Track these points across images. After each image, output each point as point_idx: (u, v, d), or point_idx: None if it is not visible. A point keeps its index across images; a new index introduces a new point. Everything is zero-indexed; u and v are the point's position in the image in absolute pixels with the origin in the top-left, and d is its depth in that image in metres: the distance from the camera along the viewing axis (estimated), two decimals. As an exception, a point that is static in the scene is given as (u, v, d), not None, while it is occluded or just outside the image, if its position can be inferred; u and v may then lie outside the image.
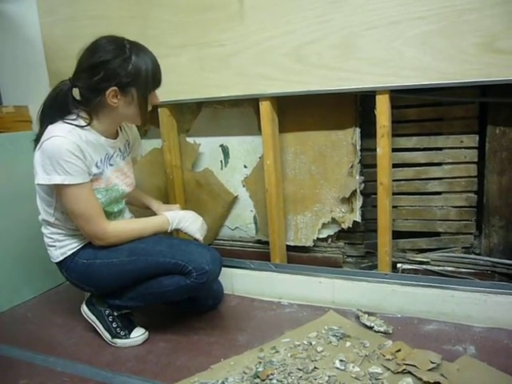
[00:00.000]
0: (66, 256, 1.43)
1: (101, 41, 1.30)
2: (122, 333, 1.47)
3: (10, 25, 2.07)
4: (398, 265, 1.65)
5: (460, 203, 1.63)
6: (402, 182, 1.69)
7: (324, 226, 1.79)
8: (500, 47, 1.27)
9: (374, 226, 1.65)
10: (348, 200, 1.72)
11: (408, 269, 1.64)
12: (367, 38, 1.42)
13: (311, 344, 1.35)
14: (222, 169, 1.94)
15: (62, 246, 1.43)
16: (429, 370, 1.17)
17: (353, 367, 1.22)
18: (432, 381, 1.12)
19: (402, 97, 1.54)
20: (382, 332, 1.40)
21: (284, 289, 1.70)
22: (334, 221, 1.76)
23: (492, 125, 1.52)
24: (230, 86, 1.66)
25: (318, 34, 1.48)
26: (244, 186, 1.91)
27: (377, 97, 1.46)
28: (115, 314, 1.48)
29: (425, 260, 1.64)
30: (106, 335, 1.48)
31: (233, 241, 1.99)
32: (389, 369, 1.20)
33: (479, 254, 1.63)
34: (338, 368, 1.23)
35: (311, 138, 1.72)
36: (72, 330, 1.60)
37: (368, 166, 1.71)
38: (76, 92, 1.36)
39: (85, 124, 1.34)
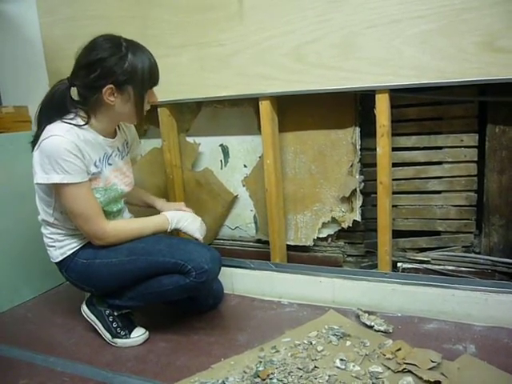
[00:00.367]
0: (65, 256, 1.43)
1: (98, 39, 1.31)
2: (123, 333, 1.46)
3: (10, 25, 2.07)
4: (399, 264, 1.65)
5: (460, 202, 1.63)
6: (402, 181, 1.69)
7: (324, 225, 1.79)
8: (499, 46, 1.27)
9: (374, 225, 1.65)
10: (348, 199, 1.72)
11: (408, 268, 1.64)
12: (367, 37, 1.42)
13: (311, 343, 1.35)
14: (221, 168, 1.94)
15: (61, 246, 1.43)
16: (429, 368, 1.17)
17: (353, 366, 1.22)
18: (432, 380, 1.12)
19: (401, 96, 1.54)
20: (382, 331, 1.40)
21: (284, 288, 1.70)
22: (334, 220, 1.76)
23: (492, 123, 1.52)
24: (229, 86, 1.66)
25: (317, 33, 1.48)
26: (244, 186, 1.91)
27: (376, 96, 1.46)
28: (115, 313, 1.48)
29: (425, 259, 1.64)
30: (107, 335, 1.47)
31: (233, 240, 1.99)
32: (389, 368, 1.20)
33: (479, 253, 1.63)
34: (338, 367, 1.23)
35: (311, 138, 1.72)
36: (72, 330, 1.60)
37: (368, 165, 1.71)
38: (74, 92, 1.36)
39: (83, 123, 1.34)
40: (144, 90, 1.33)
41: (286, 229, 1.81)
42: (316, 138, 1.72)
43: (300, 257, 1.82)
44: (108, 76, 1.27)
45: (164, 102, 1.75)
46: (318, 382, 1.17)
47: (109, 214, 1.45)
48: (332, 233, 1.80)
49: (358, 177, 1.69)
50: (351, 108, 1.65)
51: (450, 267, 1.60)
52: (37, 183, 1.34)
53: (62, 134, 1.28)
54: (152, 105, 1.41)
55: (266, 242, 1.84)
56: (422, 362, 1.19)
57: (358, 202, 1.71)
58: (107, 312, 1.48)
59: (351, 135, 1.66)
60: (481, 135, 1.56)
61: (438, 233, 1.69)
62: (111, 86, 1.28)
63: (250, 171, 1.88)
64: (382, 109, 1.46)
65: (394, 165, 1.62)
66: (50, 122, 1.33)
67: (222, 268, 1.46)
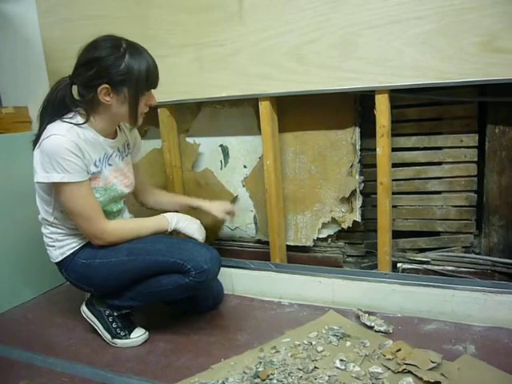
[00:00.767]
0: (65, 256, 1.43)
1: (99, 38, 1.31)
2: (122, 333, 1.46)
3: (10, 25, 2.07)
4: (398, 264, 1.65)
5: (460, 202, 1.63)
6: (402, 181, 1.69)
7: (324, 225, 1.79)
8: (499, 46, 1.27)
9: (373, 225, 1.65)
10: (348, 200, 1.72)
11: (408, 268, 1.64)
12: (366, 38, 1.42)
13: (311, 344, 1.35)
14: (221, 169, 1.94)
15: (61, 246, 1.43)
16: (429, 369, 1.17)
17: (353, 367, 1.22)
18: (432, 380, 1.12)
19: (401, 96, 1.54)
20: (382, 332, 1.40)
21: (284, 289, 1.70)
22: (333, 220, 1.76)
23: (492, 124, 1.52)
24: (229, 86, 1.66)
25: (317, 33, 1.48)
26: (244, 186, 1.91)
27: (376, 96, 1.46)
28: (115, 314, 1.48)
29: (425, 259, 1.64)
30: (106, 335, 1.47)
31: (233, 241, 1.98)
32: (389, 368, 1.20)
33: (479, 254, 1.63)
34: (338, 368, 1.23)
35: (311, 138, 1.72)
36: (72, 330, 1.60)
37: (368, 165, 1.71)
38: (75, 90, 1.36)
39: (82, 121, 1.34)
40: (139, 93, 1.32)
41: (285, 229, 1.81)
42: (316, 138, 1.72)
43: (300, 257, 1.82)
44: (103, 75, 1.28)
45: (164, 103, 1.75)
46: (318, 383, 1.17)
47: (109, 214, 1.45)
48: (332, 233, 1.80)
49: (357, 177, 1.69)
50: (351, 108, 1.65)
51: (450, 268, 1.60)
52: (37, 182, 1.34)
53: (62, 134, 1.28)
54: (149, 106, 1.41)
55: (266, 243, 1.84)
56: (422, 363, 1.19)
57: (358, 202, 1.71)
58: (107, 312, 1.48)
59: (351, 135, 1.66)
60: (481, 135, 1.56)
61: (437, 233, 1.69)
62: (106, 85, 1.28)
63: (250, 171, 1.88)
64: (382, 109, 1.46)
65: (394, 165, 1.62)
66: (51, 121, 1.33)
67: (222, 268, 1.46)
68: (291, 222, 1.83)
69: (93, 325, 1.51)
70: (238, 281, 1.77)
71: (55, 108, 1.36)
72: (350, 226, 1.74)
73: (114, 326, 1.47)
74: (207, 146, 1.93)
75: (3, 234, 1.78)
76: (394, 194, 1.63)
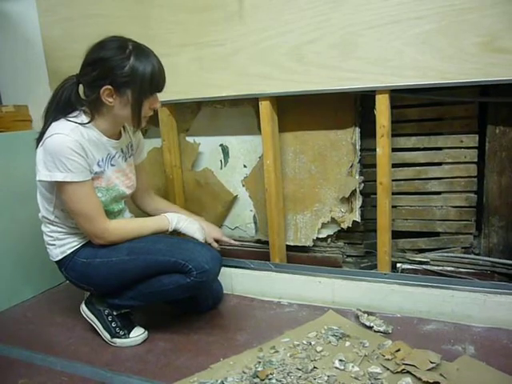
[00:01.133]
0: (65, 255, 1.44)
1: (107, 39, 1.31)
2: (122, 332, 1.46)
3: (10, 24, 2.07)
4: (398, 265, 1.65)
5: (460, 203, 1.63)
6: (402, 181, 1.69)
7: (324, 225, 1.78)
8: (500, 46, 1.27)
9: (373, 225, 1.65)
10: (348, 200, 1.72)
11: (407, 269, 1.64)
12: (367, 38, 1.42)
13: (311, 344, 1.35)
14: (221, 168, 1.94)
15: (61, 245, 1.43)
16: (428, 369, 1.17)
17: (352, 367, 1.22)
18: (431, 381, 1.12)
19: (401, 96, 1.54)
20: (381, 332, 1.40)
21: (283, 288, 1.70)
22: (333, 220, 1.76)
23: (492, 124, 1.52)
24: (229, 86, 1.65)
25: (317, 33, 1.48)
26: (244, 186, 1.91)
27: (376, 96, 1.46)
28: (114, 313, 1.48)
29: (424, 260, 1.64)
30: (106, 335, 1.47)
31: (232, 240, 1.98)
32: (388, 369, 1.20)
33: (479, 254, 1.63)
34: (337, 368, 1.23)
35: (311, 138, 1.72)
36: (71, 329, 1.60)
37: (368, 165, 1.71)
38: (82, 89, 1.36)
39: (87, 121, 1.34)
40: (143, 96, 1.31)
41: (285, 229, 1.81)
42: (316, 138, 1.72)
43: (299, 257, 1.82)
44: (107, 76, 1.27)
45: (163, 102, 1.74)
46: (317, 383, 1.17)
47: (110, 214, 1.45)
48: (331, 233, 1.80)
49: (357, 177, 1.69)
50: (351, 108, 1.65)
51: (450, 268, 1.60)
52: (39, 180, 1.34)
53: (66, 133, 1.28)
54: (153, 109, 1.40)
55: (266, 242, 1.84)
56: (421, 363, 1.19)
57: (358, 202, 1.71)
58: (106, 311, 1.48)
59: (351, 135, 1.66)
60: (481, 136, 1.56)
61: (437, 234, 1.69)
62: (109, 86, 1.27)
63: (250, 171, 1.88)
64: (382, 109, 1.46)
65: (394, 165, 1.62)
66: (55, 119, 1.33)
67: (222, 268, 1.46)
68: (291, 222, 1.83)
69: (92, 324, 1.51)
70: (237, 280, 1.77)
71: (60, 106, 1.35)
72: (350, 226, 1.74)
73: (113, 325, 1.47)
74: (207, 146, 1.93)
75: (3, 232, 1.78)
76: (393, 194, 1.63)
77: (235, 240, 1.93)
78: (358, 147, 1.66)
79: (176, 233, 1.51)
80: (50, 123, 1.33)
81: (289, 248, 1.82)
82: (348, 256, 1.82)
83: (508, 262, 1.54)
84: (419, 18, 1.34)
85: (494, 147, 1.54)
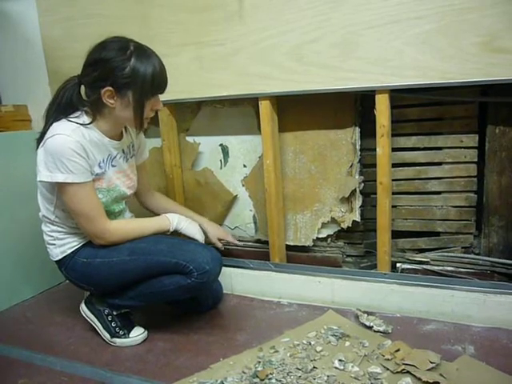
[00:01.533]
0: (65, 254, 1.44)
1: (109, 39, 1.30)
2: (121, 332, 1.46)
3: (10, 24, 2.07)
4: (398, 264, 1.65)
5: (460, 203, 1.63)
6: (402, 181, 1.69)
7: (323, 225, 1.78)
8: (500, 46, 1.27)
9: (373, 225, 1.65)
10: (347, 199, 1.72)
11: (407, 268, 1.63)
12: (367, 38, 1.42)
13: (310, 344, 1.35)
14: (221, 168, 1.94)
15: (61, 245, 1.43)
16: (428, 369, 1.17)
17: (352, 367, 1.22)
18: (431, 381, 1.12)
19: (401, 96, 1.54)
20: (381, 332, 1.40)
21: (283, 288, 1.70)
22: (333, 220, 1.76)
23: (492, 124, 1.52)
24: (229, 86, 1.65)
25: (317, 33, 1.48)
26: (243, 186, 1.91)
27: (376, 96, 1.46)
28: (114, 313, 1.48)
29: (424, 260, 1.64)
30: (105, 334, 1.47)
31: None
32: (388, 368, 1.20)
33: (479, 254, 1.63)
34: (337, 368, 1.23)
35: (311, 138, 1.72)
36: (71, 329, 1.60)
37: (368, 165, 1.71)
38: (84, 90, 1.36)
39: (88, 122, 1.34)
40: (144, 97, 1.30)
41: (285, 229, 1.81)
42: (316, 138, 1.71)
43: (299, 257, 1.82)
44: (108, 77, 1.26)
45: (164, 102, 1.73)
46: (317, 383, 1.17)
47: (111, 214, 1.45)
48: (331, 233, 1.80)
49: (357, 177, 1.69)
50: (351, 108, 1.65)
51: (450, 268, 1.60)
52: (40, 181, 1.34)
53: (67, 133, 1.28)
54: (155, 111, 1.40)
55: (266, 242, 1.84)
56: (421, 363, 1.19)
57: (358, 202, 1.71)
58: (106, 311, 1.48)
59: (351, 135, 1.66)
60: (481, 136, 1.56)
61: (437, 233, 1.69)
62: (110, 88, 1.27)
63: (250, 171, 1.88)
64: (382, 109, 1.46)
65: (394, 165, 1.62)
66: (57, 120, 1.33)
67: (222, 268, 1.46)
68: (291, 222, 1.83)
69: (92, 324, 1.51)
70: (237, 280, 1.77)
71: (61, 107, 1.35)
72: (350, 225, 1.74)
73: (113, 325, 1.47)
74: (207, 146, 1.93)
75: (2, 232, 1.78)
76: (393, 194, 1.63)
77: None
78: (357, 147, 1.66)
79: (176, 233, 1.51)
80: (51, 123, 1.33)
81: (288, 248, 1.82)
82: (348, 256, 1.82)
83: (508, 261, 1.54)
84: (419, 17, 1.34)
85: (493, 147, 1.54)
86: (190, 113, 1.93)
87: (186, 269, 1.35)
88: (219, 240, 1.68)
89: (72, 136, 1.28)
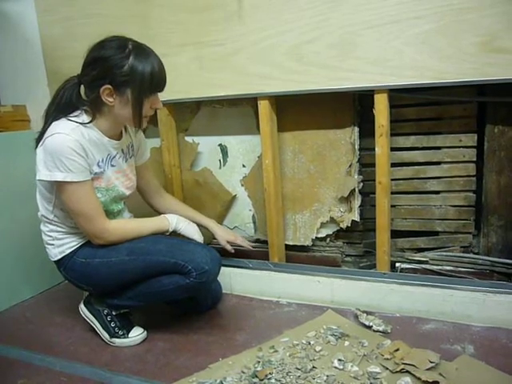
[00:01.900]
0: (64, 254, 1.43)
1: (107, 38, 1.30)
2: (121, 332, 1.46)
3: (9, 24, 2.06)
4: (397, 264, 1.65)
5: (459, 202, 1.63)
6: (401, 181, 1.69)
7: (323, 225, 1.78)
8: (499, 46, 1.27)
9: (372, 225, 1.65)
10: (347, 199, 1.72)
11: (407, 268, 1.64)
12: (366, 37, 1.42)
13: (310, 343, 1.35)
14: (220, 168, 1.94)
15: (60, 245, 1.43)
16: (427, 369, 1.17)
17: (351, 366, 1.22)
18: (430, 380, 1.12)
19: (400, 96, 1.54)
20: (380, 331, 1.40)
21: (283, 288, 1.70)
22: (332, 220, 1.76)
23: (490, 124, 1.52)
24: (228, 86, 1.65)
25: (316, 33, 1.48)
26: (243, 186, 1.91)
27: (375, 96, 1.46)
28: (113, 313, 1.48)
29: (423, 259, 1.64)
30: (105, 335, 1.47)
31: (232, 240, 1.98)
32: (387, 368, 1.20)
33: (478, 254, 1.63)
34: (336, 367, 1.23)
35: (310, 138, 1.72)
36: (71, 329, 1.60)
37: (366, 165, 1.71)
38: (83, 90, 1.36)
39: (88, 121, 1.34)
40: (143, 95, 1.30)
41: (284, 228, 1.81)
42: (315, 137, 1.72)
43: (298, 257, 1.82)
44: (106, 76, 1.27)
45: (163, 102, 1.73)
46: (316, 383, 1.17)
47: (109, 214, 1.45)
48: (331, 233, 1.80)
49: (356, 177, 1.69)
50: (350, 108, 1.65)
51: (449, 267, 1.60)
52: (39, 180, 1.34)
53: (67, 132, 1.28)
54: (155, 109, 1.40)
55: (265, 242, 1.84)
56: (420, 363, 1.19)
57: (357, 201, 1.71)
58: (105, 311, 1.48)
59: (350, 135, 1.66)
60: (479, 135, 1.56)
61: (436, 233, 1.69)
62: (109, 86, 1.27)
63: (249, 171, 1.88)
64: (381, 109, 1.46)
65: (393, 165, 1.62)
66: (56, 119, 1.33)
67: (221, 268, 1.46)
68: (290, 222, 1.83)
69: (91, 324, 1.51)
70: (236, 280, 1.77)
71: (61, 107, 1.35)
72: (349, 225, 1.74)
73: (112, 325, 1.47)
74: (206, 145, 1.93)
75: (2, 232, 1.78)
76: (392, 193, 1.63)
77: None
78: (356, 147, 1.66)
79: (175, 234, 1.51)
80: (51, 123, 1.33)
81: (288, 247, 1.82)
82: (347, 255, 1.82)
83: (507, 261, 1.54)
84: (418, 17, 1.34)
85: (492, 146, 1.54)
86: (190, 113, 1.93)
87: (184, 269, 1.35)
88: (229, 243, 1.68)
89: (71, 135, 1.28)
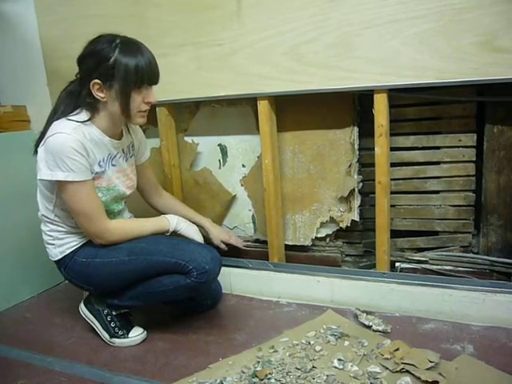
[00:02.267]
0: (65, 254, 1.43)
1: (99, 36, 1.31)
2: (120, 332, 1.46)
3: (8, 24, 2.06)
4: (397, 264, 1.65)
5: (458, 202, 1.63)
6: (400, 180, 1.69)
7: (322, 225, 1.78)
8: (498, 46, 1.27)
9: (372, 225, 1.65)
10: (346, 199, 1.72)
11: (406, 268, 1.64)
12: (365, 37, 1.42)
13: (309, 343, 1.35)
14: (220, 168, 1.94)
15: (61, 245, 1.43)
16: (427, 368, 1.17)
17: (351, 366, 1.22)
18: (430, 380, 1.12)
19: (399, 96, 1.54)
20: (380, 331, 1.40)
21: (282, 288, 1.70)
22: (332, 220, 1.76)
23: (490, 124, 1.52)
24: (228, 86, 1.65)
25: (315, 32, 1.48)
26: (242, 186, 1.91)
27: (375, 96, 1.46)
28: (113, 313, 1.48)
29: (423, 259, 1.64)
30: (104, 335, 1.47)
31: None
32: (387, 368, 1.20)
33: (477, 253, 1.63)
34: (336, 367, 1.23)
35: (309, 137, 1.72)
36: (70, 329, 1.60)
37: (366, 165, 1.71)
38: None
39: (87, 118, 1.34)
40: (128, 88, 1.29)
41: (284, 228, 1.81)
42: (314, 137, 1.72)
43: (298, 256, 1.82)
44: (93, 70, 1.28)
45: (162, 102, 1.75)
46: (316, 382, 1.17)
47: (110, 214, 1.46)
48: (330, 232, 1.80)
49: (356, 177, 1.69)
50: (349, 108, 1.65)
51: (448, 267, 1.60)
52: (40, 179, 1.34)
53: (68, 132, 1.28)
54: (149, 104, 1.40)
55: (265, 242, 1.84)
56: (420, 362, 1.19)
57: (357, 201, 1.71)
58: (105, 311, 1.48)
59: (349, 135, 1.66)
60: (479, 135, 1.56)
61: (436, 233, 1.69)
62: (97, 80, 1.28)
63: (249, 171, 1.88)
64: (381, 109, 1.46)
65: (393, 165, 1.62)
66: (57, 118, 1.33)
67: (221, 268, 1.46)
68: (289, 222, 1.83)
69: (91, 324, 1.51)
70: (236, 280, 1.77)
71: (62, 106, 1.36)
72: (349, 225, 1.74)
73: (112, 325, 1.47)
74: (206, 146, 1.93)
75: (2, 232, 1.78)
76: (392, 193, 1.63)
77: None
78: (356, 146, 1.66)
79: (175, 234, 1.51)
80: (52, 122, 1.33)
81: (287, 247, 1.82)
82: (347, 255, 1.82)
83: (507, 260, 1.54)
84: (417, 17, 1.34)
85: (492, 146, 1.54)
86: (189, 113, 1.93)
87: (185, 268, 1.35)
88: (223, 242, 1.69)
89: (73, 134, 1.28)
